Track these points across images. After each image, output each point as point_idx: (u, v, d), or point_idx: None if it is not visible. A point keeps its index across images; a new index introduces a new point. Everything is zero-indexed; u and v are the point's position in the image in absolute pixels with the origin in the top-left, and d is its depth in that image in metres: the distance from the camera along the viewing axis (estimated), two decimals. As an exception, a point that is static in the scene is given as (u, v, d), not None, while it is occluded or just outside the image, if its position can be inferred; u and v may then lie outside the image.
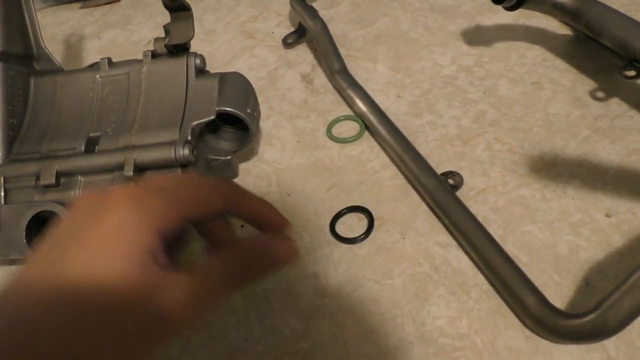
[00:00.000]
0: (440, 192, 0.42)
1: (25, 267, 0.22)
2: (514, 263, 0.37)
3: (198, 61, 0.45)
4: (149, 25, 0.72)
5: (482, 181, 0.45)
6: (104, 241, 0.22)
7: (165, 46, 0.45)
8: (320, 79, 0.59)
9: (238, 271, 0.26)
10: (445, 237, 0.42)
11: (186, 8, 0.44)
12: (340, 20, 0.66)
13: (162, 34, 0.45)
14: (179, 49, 0.46)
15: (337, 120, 0.53)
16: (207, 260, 0.25)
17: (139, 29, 0.72)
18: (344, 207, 0.45)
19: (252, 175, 0.50)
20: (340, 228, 0.44)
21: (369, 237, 0.42)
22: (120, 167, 0.41)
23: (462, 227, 0.40)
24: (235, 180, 0.49)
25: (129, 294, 0.21)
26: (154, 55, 0.46)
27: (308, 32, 0.61)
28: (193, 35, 0.44)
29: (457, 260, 0.40)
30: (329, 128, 0.52)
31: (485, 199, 0.44)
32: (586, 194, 0.42)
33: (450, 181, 0.44)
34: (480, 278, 0.39)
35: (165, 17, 0.44)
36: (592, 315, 0.31)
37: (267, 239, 0.28)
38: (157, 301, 0.22)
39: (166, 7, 0.43)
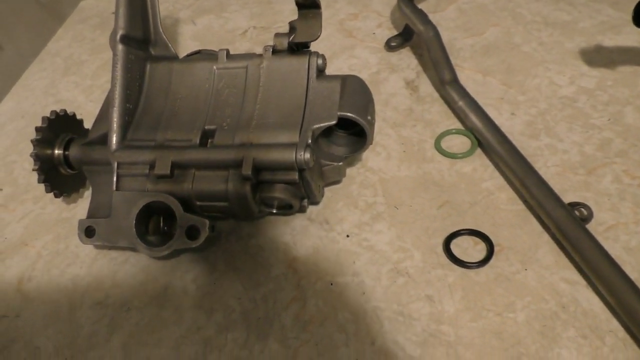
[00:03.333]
0: (569, 224, 0.40)
1: None
2: (658, 313, 0.34)
3: (320, 61, 0.44)
4: (245, 14, 0.71)
5: (612, 216, 0.42)
6: None
7: (289, 43, 0.44)
8: (426, 87, 0.56)
9: None
10: (572, 274, 0.39)
11: (317, 6, 0.42)
12: (446, 26, 0.63)
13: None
14: (300, 47, 0.44)
15: (447, 133, 0.51)
16: None
17: (234, 17, 0.72)
18: (458, 228, 0.43)
19: (356, 183, 0.48)
20: (454, 250, 0.41)
21: (487, 264, 0.40)
22: (236, 164, 0.40)
23: (594, 265, 0.37)
24: (339, 186, 0.48)
25: None
26: (275, 51, 0.45)
27: (416, 36, 0.59)
28: (320, 34, 0.43)
29: (587, 300, 0.37)
30: (438, 141, 0.50)
31: (616, 236, 0.41)
32: None
33: (578, 213, 0.41)
34: (615, 324, 0.36)
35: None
36: None
37: None
38: None
39: (297, 3, 0.42)
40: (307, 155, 0.39)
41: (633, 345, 0.35)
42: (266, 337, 0.39)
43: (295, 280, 0.42)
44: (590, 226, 0.41)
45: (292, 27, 0.44)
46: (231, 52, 0.46)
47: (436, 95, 0.55)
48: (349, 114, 0.42)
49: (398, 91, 0.56)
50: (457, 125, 0.51)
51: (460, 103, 0.51)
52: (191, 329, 0.40)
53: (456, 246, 0.42)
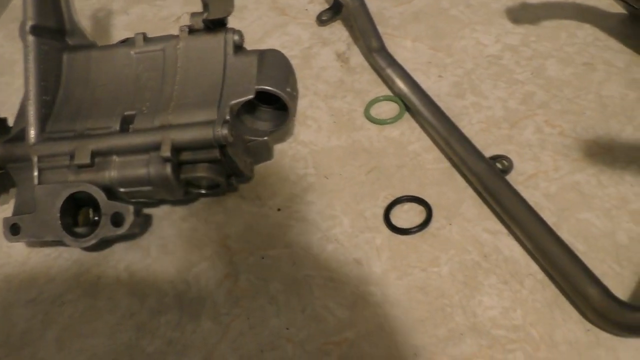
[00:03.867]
0: (490, 177, 0.40)
1: None
2: (572, 252, 0.35)
3: (236, 37, 0.43)
4: (178, 0, 0.70)
5: (532, 166, 0.43)
6: None
7: (203, 21, 0.43)
8: (357, 57, 0.56)
9: None
10: (494, 224, 0.40)
11: (225, -20, 0.42)
12: (376, -4, 0.63)
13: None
14: (217, 25, 0.44)
15: (375, 101, 0.51)
16: None
17: (168, 4, 0.71)
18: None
19: (287, 157, 0.48)
20: (393, 220, 0.42)
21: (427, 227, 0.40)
22: (156, 147, 0.40)
23: (513, 213, 0.38)
24: (271, 162, 0.48)
25: None
26: (191, 30, 0.45)
27: (344, 8, 0.59)
28: (233, 10, 0.42)
29: (508, 248, 0.38)
30: (367, 109, 0.50)
31: (536, 184, 0.41)
32: (646, 181, 0.40)
33: (499, 165, 0.42)
34: (534, 267, 0.37)
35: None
36: (664, 310, 0.29)
37: None
38: None
39: (205, -21, 0.42)
40: (225, 131, 0.39)
41: (551, 286, 0.36)
42: (198, 316, 0.39)
43: (228, 258, 0.42)
44: (511, 176, 0.42)
45: (205, 4, 0.43)
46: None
47: (366, 65, 0.55)
48: (267, 87, 0.42)
49: (329, 64, 0.56)
50: (387, 92, 0.52)
51: (388, 70, 0.51)
52: (125, 315, 0.40)
53: (394, 216, 0.42)
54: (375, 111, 0.50)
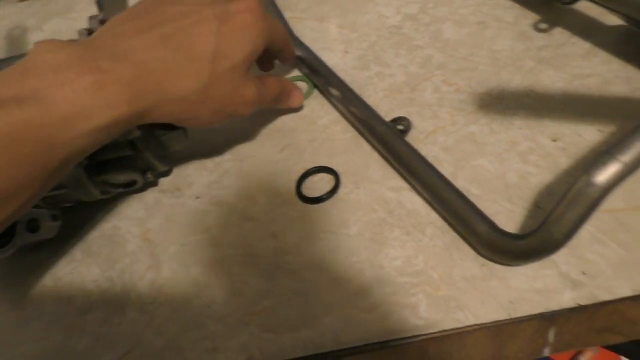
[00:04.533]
0: (390, 138, 0.42)
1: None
2: (464, 196, 0.37)
3: (132, 35, 0.44)
4: (93, 11, 0.70)
5: (432, 123, 0.45)
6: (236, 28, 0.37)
7: (100, 22, 0.44)
8: (267, 44, 0.58)
9: (276, 93, 0.44)
10: (398, 182, 0.42)
11: (113, -21, 0.42)
12: (283, -16, 0.64)
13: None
14: (112, 25, 0.45)
15: (285, 83, 0.52)
16: (268, 77, 0.43)
17: (82, 16, 0.71)
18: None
19: (205, 146, 0.49)
20: (305, 192, 0.43)
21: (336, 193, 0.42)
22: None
23: (412, 169, 0.40)
24: (189, 153, 0.49)
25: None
26: (90, 33, 0.45)
27: (249, -2, 0.60)
28: (127, 6, 0.43)
29: (410, 202, 0.40)
30: (278, 91, 0.52)
31: (435, 140, 0.44)
32: (533, 123, 0.43)
33: (400, 127, 0.44)
34: (434, 216, 0.39)
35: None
36: (539, 232, 0.32)
37: (294, 85, 0.48)
38: (243, 88, 0.39)
39: (91, -20, 0.42)
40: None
41: (449, 231, 0.38)
42: (123, 309, 0.40)
43: (150, 250, 0.43)
44: (412, 136, 0.44)
45: (100, 5, 0.44)
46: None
47: (276, 50, 0.57)
48: (166, 79, 0.42)
49: (241, 54, 0.57)
50: (296, 73, 0.53)
51: (295, 52, 0.53)
52: (52, 320, 0.40)
53: (306, 187, 0.43)
54: (285, 92, 0.52)
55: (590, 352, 0.97)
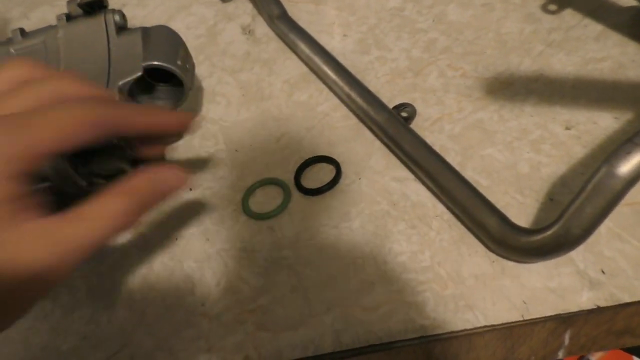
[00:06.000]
0: (393, 126, 0.40)
1: None
2: (473, 188, 0.35)
3: (117, 17, 0.41)
4: (78, -5, 0.67)
5: (437, 110, 0.43)
6: None
7: (79, 5, 0.41)
8: (262, 28, 0.55)
9: (123, 210, 0.25)
10: (402, 172, 0.39)
11: (94, -42, 0.40)
12: (279, -35, 0.61)
13: None
14: (95, 7, 0.42)
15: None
16: (91, 201, 0.24)
17: (68, 1, 0.67)
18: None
19: (197, 136, 0.47)
20: (305, 183, 0.41)
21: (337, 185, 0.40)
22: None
23: (417, 159, 0.38)
24: (181, 143, 0.46)
25: None
26: (69, 17, 0.42)
27: (244, -21, 0.57)
28: (107, -10, 0.40)
29: (415, 193, 0.38)
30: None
31: (441, 127, 0.41)
32: (544, 109, 0.40)
33: (403, 114, 0.42)
34: (440, 208, 0.37)
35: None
36: (555, 227, 0.29)
37: (154, 168, 0.28)
38: (9, 259, 0.19)
39: (72, -41, 0.39)
40: (115, 114, 0.37)
41: (457, 224, 0.36)
42: (113, 306, 0.37)
43: (142, 245, 0.40)
44: (417, 123, 0.42)
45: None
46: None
47: (272, 34, 0.54)
48: (154, 62, 0.40)
49: (235, 38, 0.55)
50: (293, 57, 0.51)
51: (290, 35, 0.50)
52: (38, 318, 0.38)
53: (305, 178, 0.41)
54: (282, 78, 0.49)
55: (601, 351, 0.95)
